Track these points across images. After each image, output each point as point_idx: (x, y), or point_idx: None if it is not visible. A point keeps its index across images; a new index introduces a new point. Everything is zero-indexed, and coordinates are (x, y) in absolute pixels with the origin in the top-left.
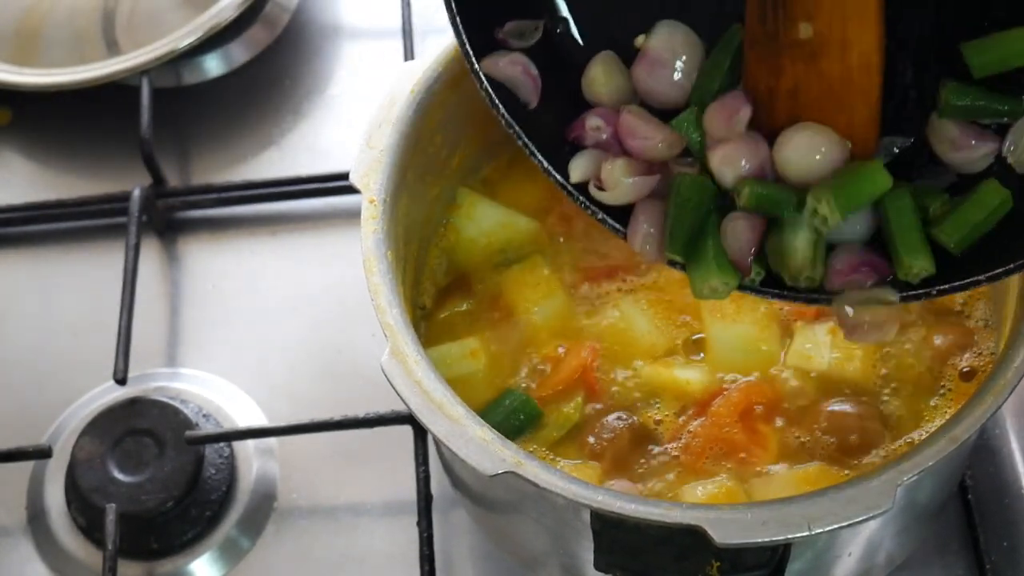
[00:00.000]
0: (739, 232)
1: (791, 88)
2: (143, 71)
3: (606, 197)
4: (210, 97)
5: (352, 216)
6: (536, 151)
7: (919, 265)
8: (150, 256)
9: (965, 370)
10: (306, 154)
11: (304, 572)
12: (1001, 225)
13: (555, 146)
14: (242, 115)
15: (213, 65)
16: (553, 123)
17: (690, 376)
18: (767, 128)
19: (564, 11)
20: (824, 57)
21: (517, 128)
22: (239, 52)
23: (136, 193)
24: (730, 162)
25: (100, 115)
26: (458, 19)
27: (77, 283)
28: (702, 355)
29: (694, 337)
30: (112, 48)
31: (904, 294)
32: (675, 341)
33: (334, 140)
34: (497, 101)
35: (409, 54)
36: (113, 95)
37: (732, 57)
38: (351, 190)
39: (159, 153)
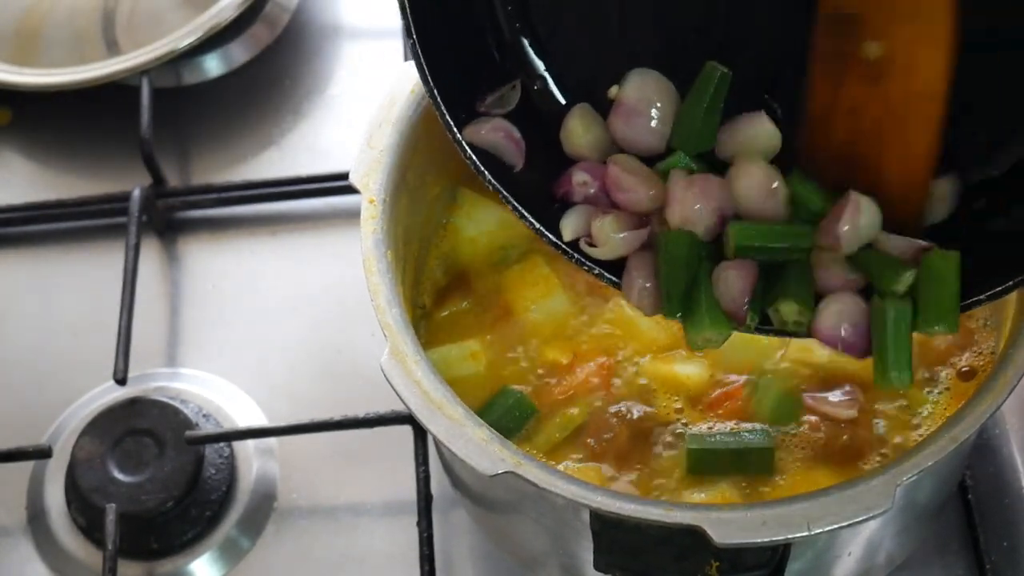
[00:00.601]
0: (730, 283)
1: (851, 108)
2: (143, 71)
3: (598, 253)
4: (210, 97)
5: (352, 216)
6: (526, 213)
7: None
8: (150, 256)
9: (964, 370)
10: (306, 154)
11: (304, 572)
12: (997, 242)
13: (544, 203)
14: (242, 115)
15: (213, 65)
16: (540, 180)
17: (690, 371)
18: (823, 146)
19: (542, 69)
20: (889, 79)
21: (505, 193)
22: (239, 52)
23: (136, 193)
24: (689, 219)
25: (100, 115)
26: (436, 92)
27: (77, 283)
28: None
29: None
30: (112, 48)
31: None
32: (676, 334)
33: (334, 140)
34: (483, 168)
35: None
36: (113, 95)
37: (710, 96)
38: (351, 190)
39: (159, 153)
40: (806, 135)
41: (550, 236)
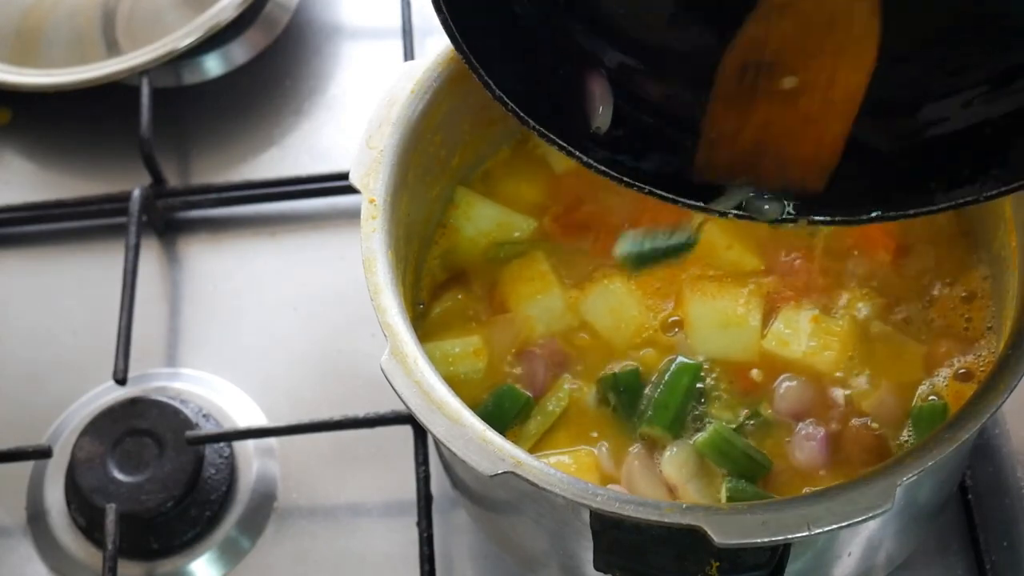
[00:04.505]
0: None
1: (762, 122)
2: (143, 71)
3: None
4: (210, 97)
5: (352, 216)
6: (549, 133)
7: None
8: (150, 256)
9: (962, 371)
10: (306, 154)
11: (304, 572)
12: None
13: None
14: (242, 115)
15: (213, 65)
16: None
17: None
18: (725, 152)
19: None
20: (805, 96)
21: (521, 113)
22: (239, 52)
23: (136, 193)
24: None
25: (100, 115)
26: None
27: (77, 283)
28: (676, 331)
29: (671, 319)
30: (112, 48)
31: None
32: (655, 321)
33: (334, 140)
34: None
35: (409, 54)
36: (113, 95)
37: None
38: (351, 190)
39: (159, 153)
40: (705, 150)
41: (585, 158)
